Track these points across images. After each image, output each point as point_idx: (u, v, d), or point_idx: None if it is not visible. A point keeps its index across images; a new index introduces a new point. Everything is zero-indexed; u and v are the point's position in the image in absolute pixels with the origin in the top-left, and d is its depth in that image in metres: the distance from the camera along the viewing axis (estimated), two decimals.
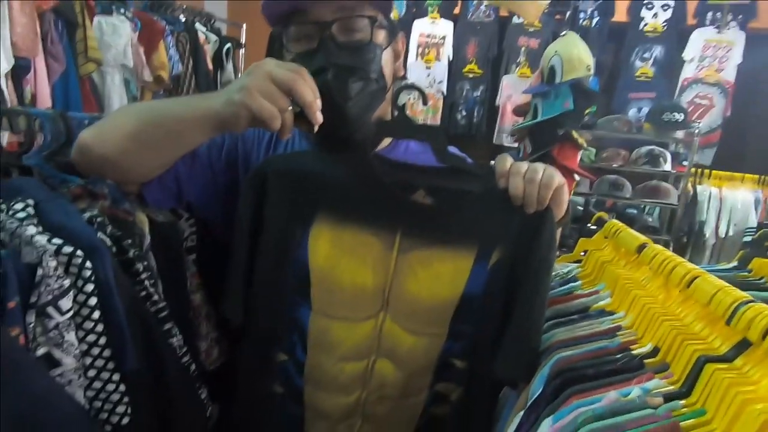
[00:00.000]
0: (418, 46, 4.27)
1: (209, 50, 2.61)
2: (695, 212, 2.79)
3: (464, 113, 4.41)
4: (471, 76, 4.40)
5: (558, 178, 0.67)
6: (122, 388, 0.54)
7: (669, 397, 0.50)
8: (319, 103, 0.59)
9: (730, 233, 2.76)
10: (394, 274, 0.67)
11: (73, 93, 1.72)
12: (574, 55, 1.31)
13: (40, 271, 0.46)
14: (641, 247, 0.78)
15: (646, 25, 3.64)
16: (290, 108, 0.58)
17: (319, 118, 0.59)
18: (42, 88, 1.60)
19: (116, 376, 0.54)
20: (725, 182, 2.88)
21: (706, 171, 2.91)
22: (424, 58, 4.34)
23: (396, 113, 0.67)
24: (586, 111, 1.42)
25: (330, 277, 0.66)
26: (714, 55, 3.41)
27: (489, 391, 0.70)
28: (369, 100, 0.68)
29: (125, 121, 0.64)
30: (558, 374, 0.59)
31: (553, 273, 0.91)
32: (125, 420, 0.54)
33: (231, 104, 0.57)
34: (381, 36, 0.70)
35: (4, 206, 0.51)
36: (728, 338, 0.53)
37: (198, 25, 2.57)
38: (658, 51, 3.62)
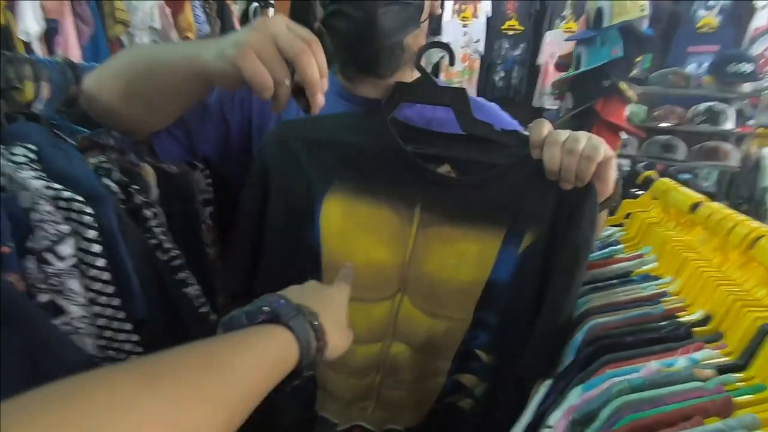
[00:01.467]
0: (454, 3, 4.04)
1: (236, 10, 2.56)
2: (758, 177, 2.55)
3: (502, 74, 4.18)
4: (511, 33, 4.13)
5: (604, 150, 0.56)
6: (134, 338, 0.54)
7: (722, 370, 0.44)
8: (324, 83, 0.51)
9: None
10: (412, 251, 0.61)
11: (104, 55, 1.72)
12: None
13: (35, 216, 0.45)
14: (695, 206, 0.69)
15: None
16: (287, 82, 0.49)
17: (320, 101, 0.52)
18: (72, 50, 1.62)
19: (127, 326, 0.53)
20: None
21: None
22: (461, 16, 4.11)
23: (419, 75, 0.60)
24: (637, 59, 1.28)
25: (342, 253, 0.61)
26: None
27: (515, 387, 0.62)
28: (403, 15, 0.60)
29: (120, 67, 0.60)
30: (591, 341, 0.54)
31: None
32: None
33: (221, 58, 0.49)
34: None
35: (4, 151, 0.49)
36: None
37: None
38: None
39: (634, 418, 0.39)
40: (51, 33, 1.54)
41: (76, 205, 0.48)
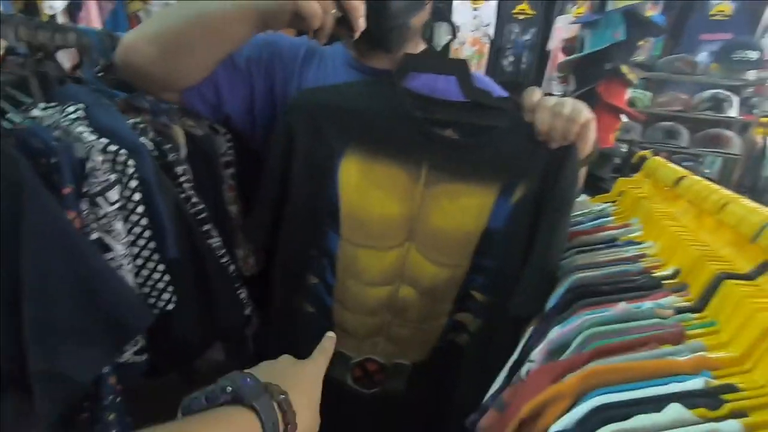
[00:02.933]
0: None
1: None
2: (762, 166, 2.56)
3: (512, 59, 4.15)
4: (522, 17, 4.09)
5: (585, 113, 0.65)
6: (167, 277, 0.61)
7: (681, 311, 0.50)
8: (363, 9, 0.60)
9: None
10: (420, 206, 0.69)
11: (123, 30, 1.78)
12: None
13: (89, 164, 0.52)
14: (679, 179, 0.75)
15: None
16: (333, 11, 0.59)
17: (361, 24, 0.60)
18: (94, 24, 1.67)
19: (161, 266, 0.60)
20: None
21: None
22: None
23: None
24: (641, 42, 1.31)
25: (359, 207, 0.69)
26: None
27: (508, 325, 0.71)
28: (409, 0, 0.67)
29: (167, 19, 0.65)
30: (571, 290, 0.60)
31: (587, 210, 0.89)
32: (170, 306, 0.61)
33: None
34: None
35: (59, 108, 0.56)
36: (753, 260, 0.52)
37: None
38: None
39: (602, 343, 0.46)
40: (74, 8, 1.60)
41: (121, 157, 0.55)
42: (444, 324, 0.76)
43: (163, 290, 0.60)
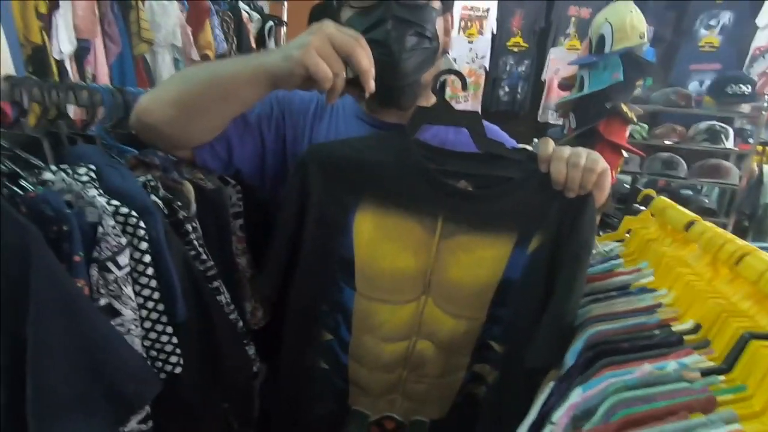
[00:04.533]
0: (461, 20, 4.14)
1: (252, 29, 2.65)
2: (760, 194, 2.58)
3: (507, 89, 4.27)
4: (516, 50, 4.23)
5: (602, 163, 0.65)
6: (174, 340, 0.59)
7: (707, 372, 0.49)
8: (373, 71, 0.60)
9: None
10: (435, 258, 0.68)
11: (129, 73, 1.82)
12: (626, 22, 1.23)
13: (100, 229, 0.51)
14: (690, 224, 0.74)
15: None
16: (343, 74, 0.59)
17: (372, 86, 0.60)
18: (101, 68, 1.71)
19: (169, 329, 0.58)
20: None
21: None
22: (466, 32, 4.21)
23: (436, 99, 0.68)
24: (638, 83, 1.34)
25: (373, 261, 0.68)
26: None
27: (524, 376, 0.69)
28: (422, 57, 0.68)
29: (181, 82, 0.66)
30: (592, 347, 0.59)
31: (595, 251, 0.89)
32: (177, 369, 0.59)
33: (288, 59, 0.58)
34: (437, 3, 0.70)
35: (69, 170, 0.56)
36: None
37: (241, 4, 2.62)
38: (726, 17, 3.32)
39: (628, 413, 0.44)
40: (81, 52, 1.63)
41: (132, 220, 0.54)
42: (462, 377, 0.75)
43: (171, 353, 0.59)
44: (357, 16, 0.67)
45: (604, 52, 1.25)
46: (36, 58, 1.48)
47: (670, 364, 0.51)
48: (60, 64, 1.57)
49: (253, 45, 2.66)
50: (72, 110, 0.74)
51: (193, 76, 0.66)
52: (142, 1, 1.85)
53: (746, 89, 2.33)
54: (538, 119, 3.97)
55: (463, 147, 0.70)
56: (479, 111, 4.17)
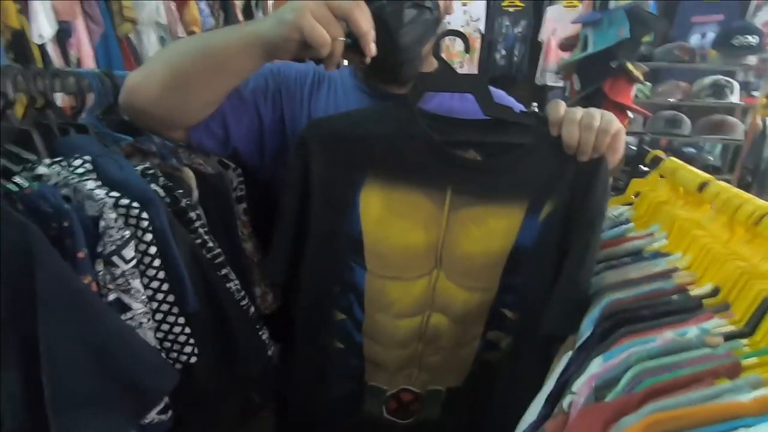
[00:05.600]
0: None
1: (239, 2, 2.55)
2: (764, 148, 2.55)
3: (504, 52, 4.15)
4: (511, 10, 4.09)
5: (616, 124, 0.63)
6: (187, 330, 0.59)
7: (730, 337, 0.48)
8: (373, 33, 0.57)
9: None
10: (446, 232, 0.66)
11: (115, 54, 1.76)
12: None
13: (102, 223, 0.49)
14: (703, 185, 0.72)
15: None
16: (342, 38, 0.56)
17: (372, 49, 0.57)
18: (85, 50, 1.65)
19: (181, 319, 0.58)
20: None
21: None
22: None
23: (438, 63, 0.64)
24: (643, 39, 1.29)
25: (383, 238, 0.67)
26: None
27: (539, 341, 0.69)
28: (422, 30, 0.65)
29: (170, 57, 0.63)
30: (609, 316, 0.58)
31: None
32: (193, 359, 0.59)
33: (282, 24, 0.55)
34: None
35: (64, 163, 0.53)
36: None
37: None
38: None
39: (653, 381, 0.44)
40: (63, 35, 1.57)
41: (133, 211, 0.52)
42: (477, 346, 0.75)
43: (185, 343, 0.58)
44: None
45: (608, 8, 1.20)
46: (16, 44, 1.42)
47: (692, 330, 0.50)
48: (42, 48, 1.51)
49: (241, 19, 2.57)
50: (59, 98, 0.70)
51: (182, 50, 0.62)
52: None
53: (753, 40, 2.24)
54: (536, 82, 3.89)
55: (470, 114, 0.67)
56: None
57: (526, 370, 0.70)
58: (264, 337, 0.71)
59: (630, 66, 1.20)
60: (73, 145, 0.57)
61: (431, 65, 0.72)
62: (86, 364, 0.46)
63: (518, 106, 0.78)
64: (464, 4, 4.16)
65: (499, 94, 0.78)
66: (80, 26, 1.63)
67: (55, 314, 0.44)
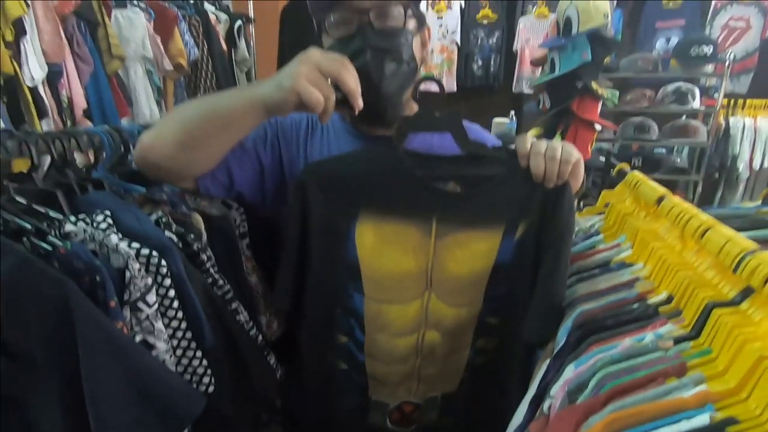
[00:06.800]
0: None
1: (221, 30, 2.62)
2: (728, 146, 2.70)
3: (480, 63, 4.27)
4: (485, 22, 4.22)
5: (575, 154, 0.72)
6: (205, 362, 0.65)
7: (679, 340, 0.56)
8: (359, 90, 0.65)
9: (766, 165, 2.67)
10: (434, 257, 0.74)
11: (105, 92, 1.80)
12: (590, 4, 1.28)
13: (128, 274, 0.55)
14: (660, 199, 0.81)
15: None
16: (332, 97, 0.63)
17: (360, 104, 0.65)
18: (76, 90, 1.68)
19: (199, 353, 0.64)
20: (761, 111, 2.75)
21: (740, 101, 2.77)
22: (435, 8, 4.18)
23: (417, 107, 0.73)
24: (606, 60, 1.40)
25: (378, 266, 0.74)
26: None
27: (521, 346, 0.78)
28: (402, 81, 0.73)
29: (180, 117, 0.70)
30: (580, 326, 0.66)
31: (577, 228, 0.96)
32: (211, 388, 0.65)
33: (281, 89, 0.63)
34: (412, 24, 0.75)
35: (88, 219, 0.59)
36: (735, 285, 0.58)
37: (207, 5, 2.58)
38: None
39: (615, 383, 0.52)
40: (53, 76, 1.61)
41: (153, 260, 0.59)
42: (468, 354, 0.82)
43: (203, 375, 0.64)
44: (337, 44, 0.71)
45: (571, 34, 1.30)
46: (9, 89, 1.46)
47: (648, 336, 0.58)
48: (34, 91, 1.55)
49: (224, 47, 2.63)
50: (78, 158, 0.76)
51: (191, 112, 0.69)
52: (108, 17, 1.82)
53: (708, 50, 2.41)
54: (513, 90, 4.01)
55: (449, 149, 0.75)
56: (455, 87, 4.19)
57: (510, 372, 0.78)
58: (272, 361, 0.78)
59: (594, 85, 1.31)
60: (93, 201, 0.63)
61: (412, 109, 0.80)
62: (126, 396, 0.51)
63: (491, 139, 0.87)
64: (440, 17, 4.28)
65: (474, 129, 0.86)
66: (70, 66, 1.68)
67: (95, 356, 0.50)
